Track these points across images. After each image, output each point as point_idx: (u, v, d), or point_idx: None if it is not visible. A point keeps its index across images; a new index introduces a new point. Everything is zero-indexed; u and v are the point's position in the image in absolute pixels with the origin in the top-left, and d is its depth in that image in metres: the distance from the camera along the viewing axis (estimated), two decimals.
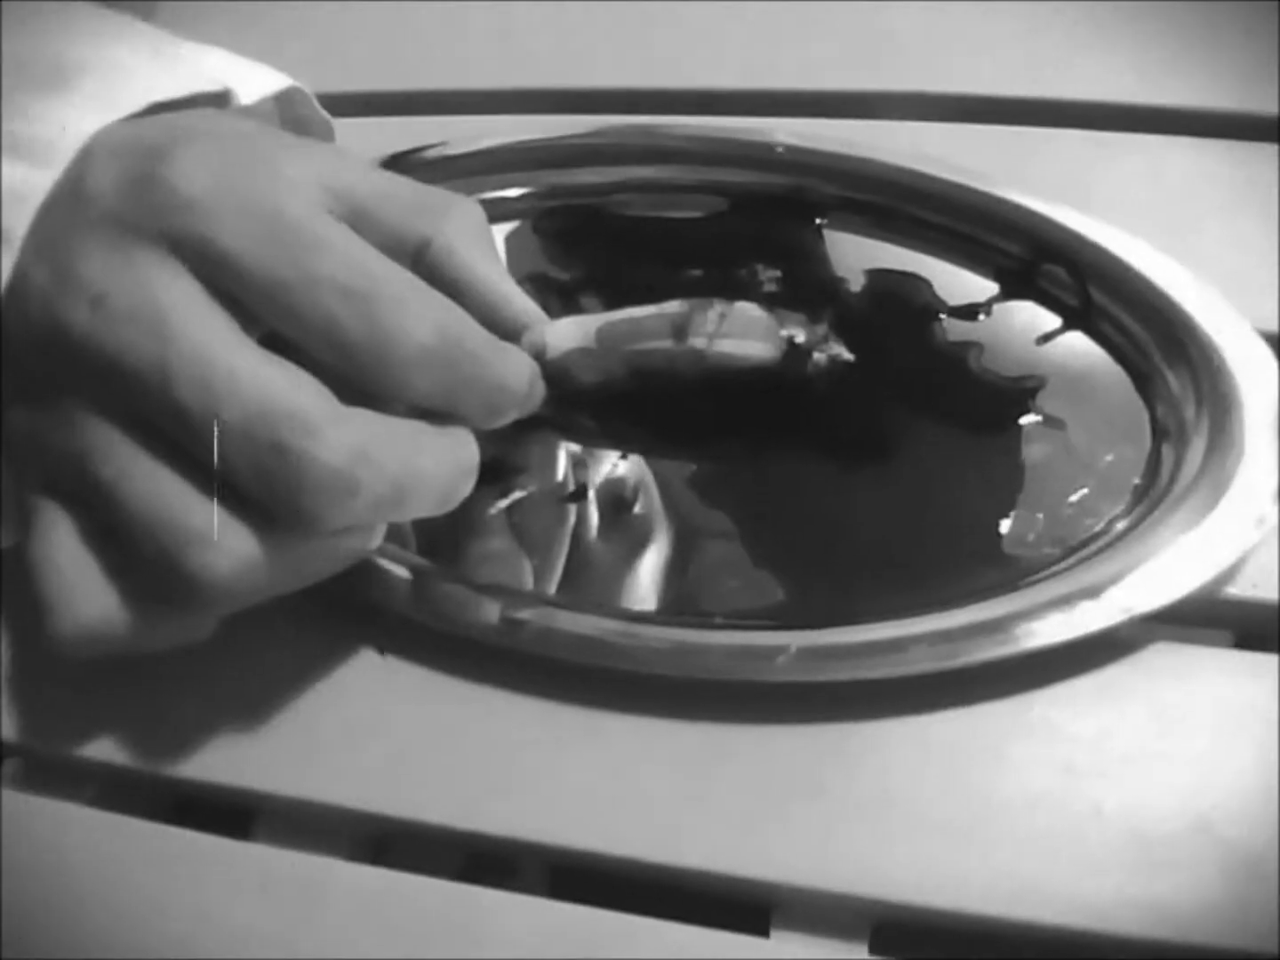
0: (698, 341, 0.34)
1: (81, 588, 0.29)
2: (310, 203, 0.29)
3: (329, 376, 0.28)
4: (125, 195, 0.29)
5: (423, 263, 0.30)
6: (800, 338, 0.35)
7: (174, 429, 0.27)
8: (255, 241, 0.28)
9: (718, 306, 0.34)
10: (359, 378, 0.28)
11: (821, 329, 0.35)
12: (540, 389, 0.32)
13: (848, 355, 0.35)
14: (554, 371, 0.33)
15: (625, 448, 0.38)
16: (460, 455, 0.30)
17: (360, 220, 0.30)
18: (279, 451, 0.27)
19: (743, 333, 0.34)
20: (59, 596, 0.29)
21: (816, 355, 0.35)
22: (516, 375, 0.30)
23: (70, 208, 0.29)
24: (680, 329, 0.34)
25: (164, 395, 0.27)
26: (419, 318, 0.28)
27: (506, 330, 0.31)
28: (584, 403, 0.37)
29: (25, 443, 0.30)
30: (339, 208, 0.30)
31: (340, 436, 0.27)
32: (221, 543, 0.28)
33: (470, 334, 0.29)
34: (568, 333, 0.33)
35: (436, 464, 0.29)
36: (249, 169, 0.29)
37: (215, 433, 0.27)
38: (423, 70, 0.47)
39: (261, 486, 0.27)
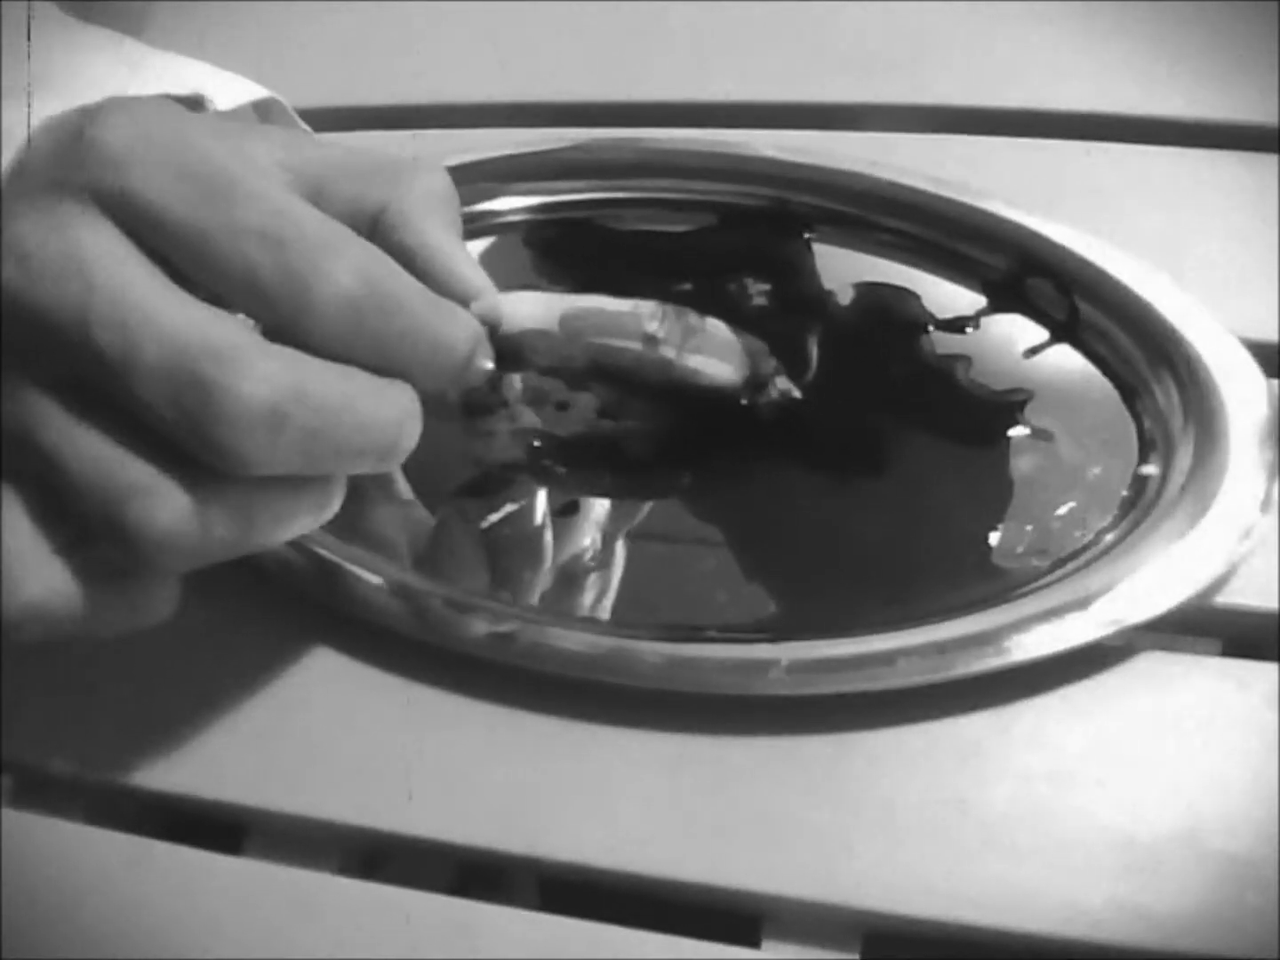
0: (666, 351, 0.33)
1: (27, 565, 0.28)
2: (246, 161, 0.28)
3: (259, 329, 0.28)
4: (56, 156, 0.28)
5: (377, 230, 0.30)
6: (760, 368, 0.35)
7: (100, 379, 0.27)
8: (175, 191, 0.27)
9: (691, 319, 0.34)
10: (282, 327, 0.27)
11: (775, 362, 0.35)
12: (488, 356, 0.31)
13: (796, 393, 0.35)
14: (508, 348, 0.31)
15: (599, 492, 0.38)
16: (400, 403, 0.29)
17: (318, 194, 0.30)
18: (198, 385, 0.26)
19: (712, 351, 0.34)
20: (5, 575, 0.28)
21: (769, 388, 0.35)
22: (458, 334, 0.29)
23: (10, 180, 0.29)
24: (650, 335, 0.33)
25: (85, 342, 0.27)
26: (339, 263, 0.27)
27: (456, 298, 0.30)
28: (555, 448, 0.37)
29: None
30: (296, 182, 0.29)
31: (264, 369, 0.26)
32: (159, 494, 0.27)
33: (400, 285, 0.28)
34: (528, 310, 0.32)
35: (374, 408, 0.28)
36: (182, 128, 0.29)
37: (134, 373, 0.26)
38: (409, 84, 0.48)
39: (184, 425, 0.27)
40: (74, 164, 0.28)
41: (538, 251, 0.42)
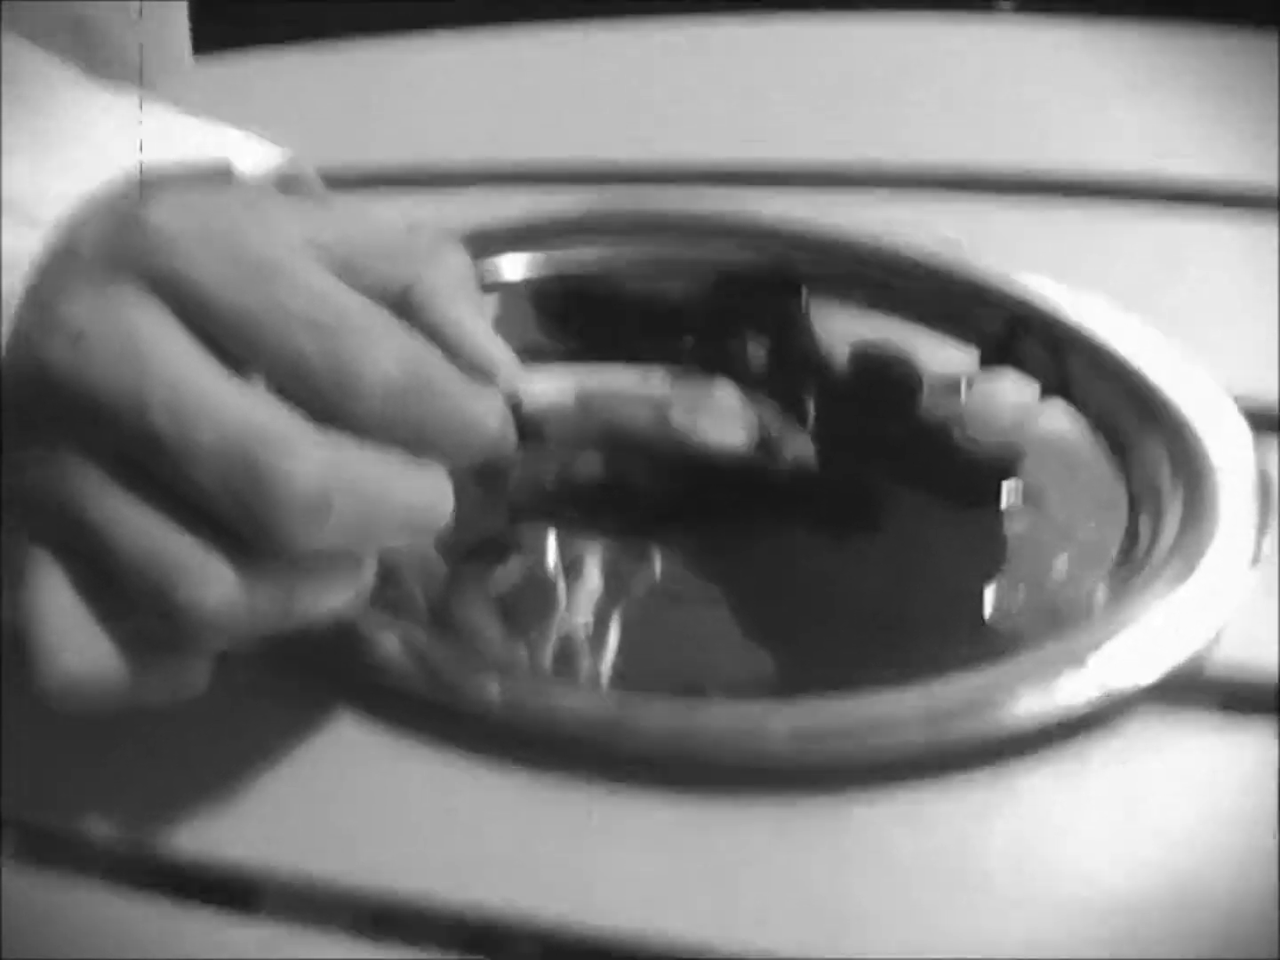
0: (676, 417, 0.34)
1: (71, 636, 0.29)
2: (287, 245, 0.30)
3: (301, 410, 0.29)
4: (108, 239, 0.30)
5: (405, 308, 0.31)
6: (772, 431, 0.36)
7: (152, 460, 0.28)
8: (227, 277, 0.29)
9: (699, 385, 0.35)
10: (325, 410, 0.29)
11: (790, 425, 0.36)
12: (512, 435, 0.32)
13: (811, 455, 0.36)
14: (528, 425, 0.33)
15: (609, 535, 0.38)
16: (434, 485, 0.30)
17: (346, 268, 0.31)
18: (251, 469, 0.27)
19: (720, 418, 0.35)
20: (47, 645, 0.29)
21: (782, 451, 0.36)
22: (488, 415, 0.31)
23: (59, 259, 0.30)
24: (661, 408, 0.34)
25: (140, 424, 0.28)
26: (383, 350, 0.29)
27: (482, 377, 0.31)
28: (567, 490, 0.38)
29: (16, 493, 0.30)
30: (325, 257, 0.31)
31: (312, 454, 0.28)
32: (207, 575, 0.28)
33: (438, 370, 0.30)
34: (546, 389, 0.33)
35: (410, 490, 0.29)
36: (230, 213, 0.30)
37: (189, 456, 0.28)
38: (418, 145, 0.48)
39: (235, 507, 0.28)
40: (127, 247, 0.29)
41: (542, 310, 0.43)
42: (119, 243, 0.29)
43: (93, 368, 0.28)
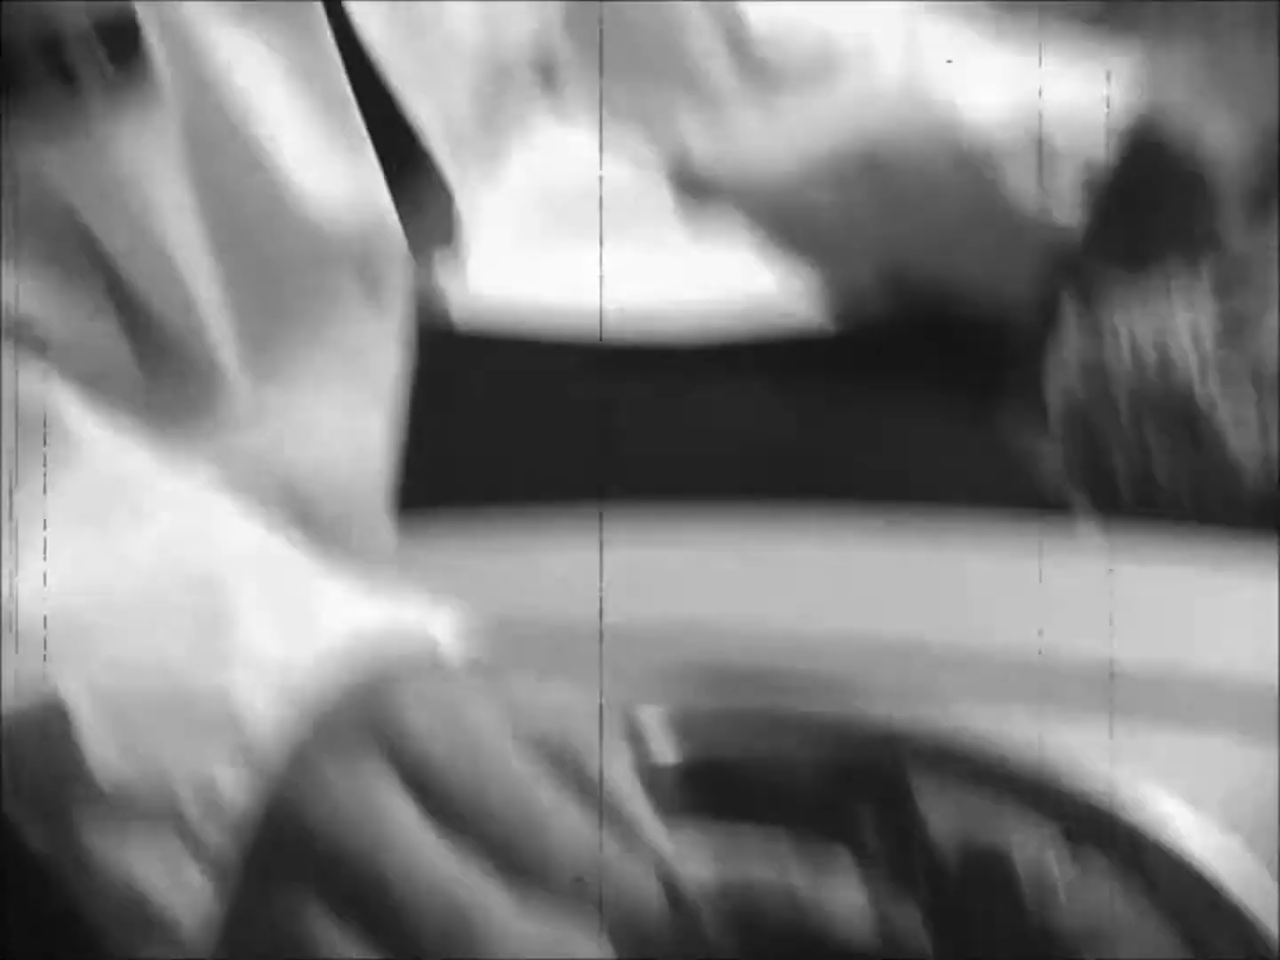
0: (806, 905, 0.40)
1: None
2: (497, 736, 0.38)
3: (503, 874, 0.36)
4: (361, 721, 0.38)
5: (582, 782, 0.38)
6: (890, 914, 0.41)
7: (378, 911, 0.35)
8: (456, 766, 0.37)
9: (821, 867, 0.41)
10: (525, 892, 0.36)
11: (905, 908, 0.42)
12: (667, 912, 0.39)
13: (925, 939, 0.42)
14: (677, 900, 0.39)
15: None
16: (601, 956, 0.37)
17: (535, 744, 0.38)
18: (462, 927, 0.35)
19: (842, 898, 0.41)
20: None
21: (900, 934, 0.42)
22: (650, 896, 0.38)
23: (318, 729, 0.38)
24: (792, 894, 0.40)
25: (371, 879, 0.35)
26: (573, 836, 0.37)
27: (643, 853, 0.38)
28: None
29: (250, 928, 0.37)
30: (521, 737, 0.38)
31: (514, 923, 0.35)
32: None
33: (613, 855, 0.37)
34: (692, 866, 0.40)
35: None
36: (454, 704, 0.38)
37: (410, 912, 0.35)
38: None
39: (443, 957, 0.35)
40: (378, 732, 0.37)
41: (683, 790, 0.49)
42: (371, 726, 0.37)
43: (338, 827, 0.36)
